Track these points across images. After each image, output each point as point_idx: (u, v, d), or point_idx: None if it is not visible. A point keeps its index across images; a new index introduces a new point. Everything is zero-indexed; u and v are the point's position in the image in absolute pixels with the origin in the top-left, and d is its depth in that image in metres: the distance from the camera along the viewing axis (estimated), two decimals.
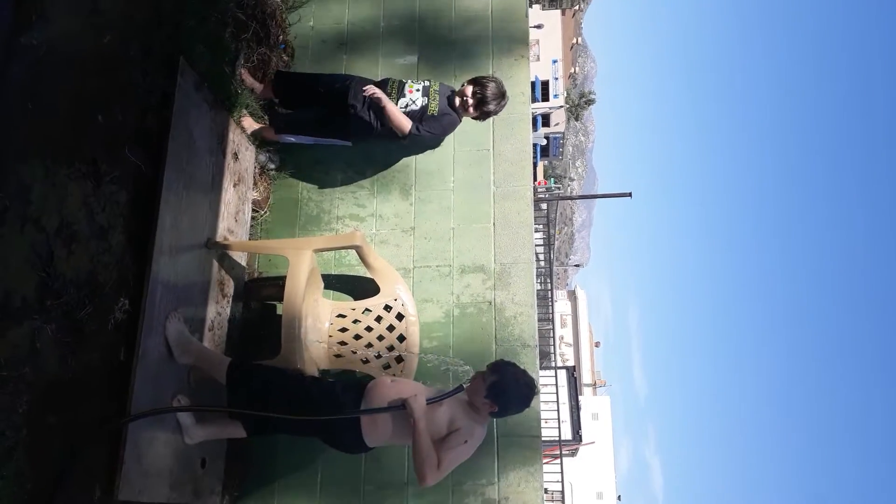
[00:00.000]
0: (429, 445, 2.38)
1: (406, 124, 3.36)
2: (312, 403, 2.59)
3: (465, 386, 2.50)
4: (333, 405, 2.59)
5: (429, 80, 3.50)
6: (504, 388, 2.46)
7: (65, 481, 2.20)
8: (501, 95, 3.38)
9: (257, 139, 3.62)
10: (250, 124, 3.59)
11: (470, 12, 4.12)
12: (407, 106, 3.40)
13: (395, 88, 3.43)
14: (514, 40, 4.05)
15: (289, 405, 2.57)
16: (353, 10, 4.21)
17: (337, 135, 3.59)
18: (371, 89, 3.32)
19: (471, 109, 3.39)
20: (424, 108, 3.40)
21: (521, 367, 2.62)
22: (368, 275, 3.42)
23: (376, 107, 3.35)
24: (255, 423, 2.75)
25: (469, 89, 3.37)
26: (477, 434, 2.50)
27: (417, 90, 3.43)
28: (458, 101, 3.40)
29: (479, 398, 2.46)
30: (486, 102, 3.36)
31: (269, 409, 2.58)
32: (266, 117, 3.71)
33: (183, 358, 2.77)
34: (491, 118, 3.54)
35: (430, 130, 3.42)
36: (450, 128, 3.52)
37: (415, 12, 4.16)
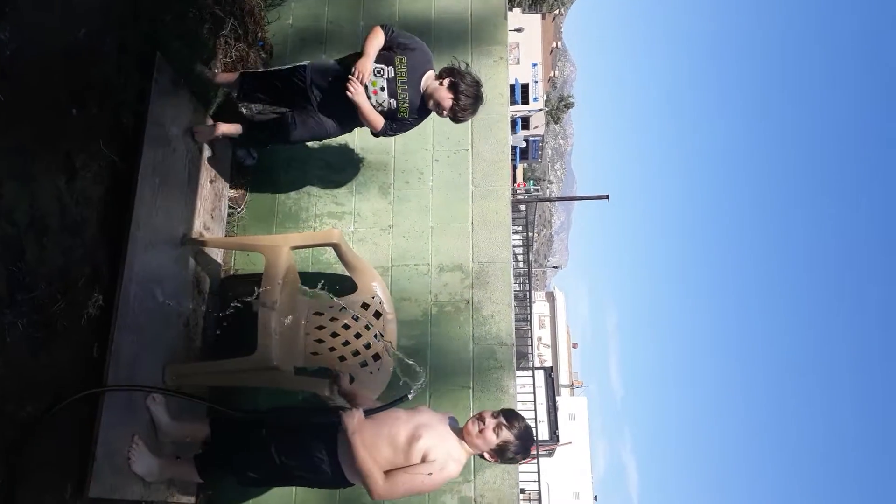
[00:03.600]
0: (366, 458, 2.34)
1: (379, 123, 3.15)
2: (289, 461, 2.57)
3: (409, 396, 2.44)
4: (308, 454, 2.55)
5: (392, 69, 3.03)
6: (512, 452, 2.42)
7: (35, 477, 2.17)
8: (478, 100, 3.07)
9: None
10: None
11: (449, 14, 4.14)
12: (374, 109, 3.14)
13: None
14: (494, 42, 4.08)
15: (264, 465, 2.58)
16: (333, 9, 4.21)
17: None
18: (354, 87, 3.00)
19: (445, 114, 3.09)
20: (394, 111, 3.14)
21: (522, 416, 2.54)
22: (346, 272, 3.42)
23: (338, 104, 3.09)
24: (207, 466, 2.76)
25: (447, 97, 3.02)
26: (448, 470, 2.40)
27: (382, 89, 3.07)
28: (430, 103, 3.09)
29: (487, 449, 2.42)
30: (460, 119, 3.10)
31: (246, 464, 2.62)
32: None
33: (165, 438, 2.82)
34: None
35: (399, 130, 3.25)
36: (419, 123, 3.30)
37: (395, 13, 4.17)
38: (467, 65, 3.13)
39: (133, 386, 2.66)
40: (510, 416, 2.44)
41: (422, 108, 3.15)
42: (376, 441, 2.40)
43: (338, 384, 2.81)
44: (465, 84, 3.03)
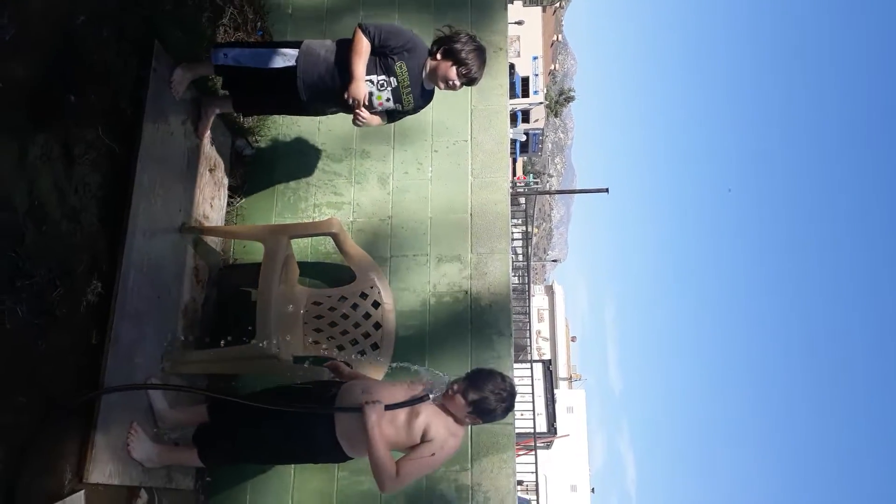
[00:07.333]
0: (384, 454, 2.34)
1: (376, 122, 3.09)
2: (285, 432, 2.57)
3: (430, 396, 2.42)
4: (306, 431, 2.55)
5: (395, 78, 2.91)
6: (487, 405, 2.41)
7: (34, 462, 2.18)
8: (480, 50, 2.90)
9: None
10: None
11: (450, 4, 4.14)
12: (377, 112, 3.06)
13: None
14: (493, 32, 4.08)
15: (262, 437, 2.60)
16: None
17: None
18: (362, 119, 2.95)
19: (458, 84, 2.93)
20: (399, 112, 3.09)
21: (498, 370, 2.54)
22: (345, 262, 3.42)
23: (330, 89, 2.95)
24: (208, 451, 2.75)
25: (453, 72, 2.88)
26: (448, 446, 2.44)
27: (388, 99, 2.98)
28: (442, 86, 2.95)
29: (463, 413, 2.43)
30: (475, 79, 2.95)
31: (244, 441, 2.64)
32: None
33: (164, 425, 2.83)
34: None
35: (400, 118, 3.20)
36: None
37: (394, 1, 4.16)
38: (450, 27, 2.95)
39: (142, 384, 2.71)
40: (474, 377, 2.45)
41: (424, 95, 3.04)
42: (380, 421, 2.41)
43: (338, 374, 2.82)
44: (459, 44, 2.86)
